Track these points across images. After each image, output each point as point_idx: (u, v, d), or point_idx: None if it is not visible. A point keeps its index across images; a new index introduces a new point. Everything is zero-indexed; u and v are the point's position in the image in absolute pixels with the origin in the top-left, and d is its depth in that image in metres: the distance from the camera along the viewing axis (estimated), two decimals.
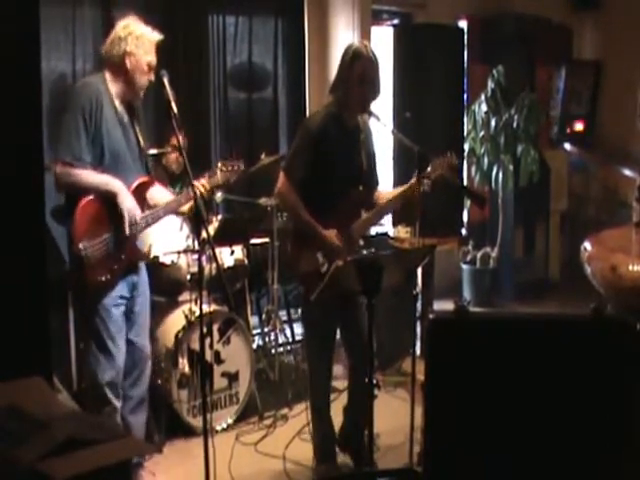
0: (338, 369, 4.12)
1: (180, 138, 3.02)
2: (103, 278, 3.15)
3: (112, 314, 3.22)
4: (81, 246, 3.07)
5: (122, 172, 3.20)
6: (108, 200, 3.13)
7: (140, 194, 3.27)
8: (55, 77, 4.70)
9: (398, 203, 3.46)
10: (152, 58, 3.22)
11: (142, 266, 3.43)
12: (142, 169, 3.34)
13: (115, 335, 3.24)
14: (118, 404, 3.29)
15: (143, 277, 3.42)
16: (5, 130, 2.02)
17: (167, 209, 3.32)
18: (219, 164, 3.39)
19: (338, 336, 3.62)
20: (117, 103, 3.22)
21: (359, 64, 3.27)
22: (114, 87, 3.21)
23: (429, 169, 3.36)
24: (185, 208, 3.34)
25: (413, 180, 3.34)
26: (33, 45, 2.06)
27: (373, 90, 3.32)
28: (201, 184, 3.26)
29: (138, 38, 3.17)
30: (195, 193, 2.94)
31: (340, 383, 4.08)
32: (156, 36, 3.24)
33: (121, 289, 3.25)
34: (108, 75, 3.21)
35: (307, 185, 3.35)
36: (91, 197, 3.11)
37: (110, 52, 3.20)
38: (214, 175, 3.34)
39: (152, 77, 3.23)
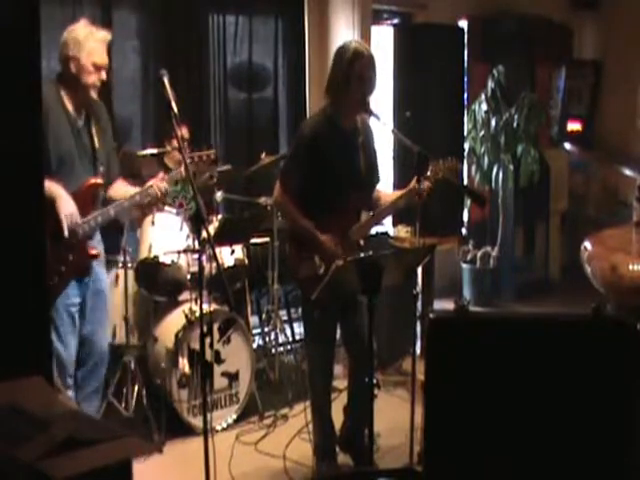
0: (338, 369, 4.12)
1: (180, 134, 3.02)
2: (50, 282, 3.16)
3: (61, 314, 3.28)
4: None
5: (70, 176, 3.26)
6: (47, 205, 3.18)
7: (90, 195, 3.32)
8: (55, 77, 4.69)
9: (399, 206, 3.44)
10: (99, 58, 3.27)
11: (97, 266, 3.48)
12: (94, 170, 3.37)
13: (63, 335, 3.31)
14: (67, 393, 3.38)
15: (98, 277, 3.49)
16: (4, 130, 2.01)
17: (118, 208, 3.37)
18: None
19: (338, 335, 3.63)
20: (70, 107, 3.29)
21: (359, 63, 3.26)
22: (65, 91, 3.28)
23: (429, 173, 3.34)
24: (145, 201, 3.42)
25: (413, 184, 3.32)
26: (33, 45, 2.06)
27: (371, 87, 3.33)
28: (157, 185, 3.37)
29: (80, 42, 3.23)
30: (197, 194, 2.93)
31: (340, 383, 4.08)
32: (102, 36, 3.30)
33: (71, 290, 3.32)
34: (59, 80, 3.29)
35: (305, 190, 3.35)
36: None
37: (59, 57, 3.30)
38: (177, 168, 3.40)
39: (103, 76, 3.30)
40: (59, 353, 3.31)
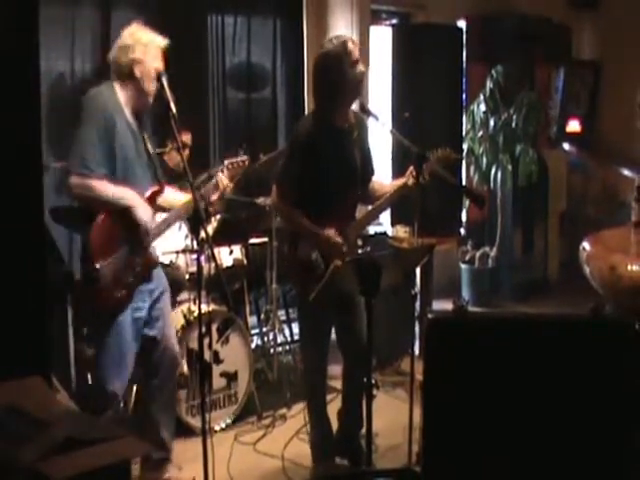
0: (337, 369, 4.12)
1: (179, 138, 3.02)
2: (119, 294, 3.12)
3: (125, 331, 3.17)
4: (98, 266, 3.02)
5: (133, 181, 3.16)
6: (120, 215, 3.09)
7: (154, 202, 3.24)
8: (54, 77, 4.70)
9: (395, 200, 3.44)
10: (159, 64, 3.18)
11: (157, 270, 3.37)
12: (151, 176, 3.29)
13: (126, 353, 3.20)
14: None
15: (159, 281, 3.37)
16: (4, 130, 2.02)
17: (177, 215, 3.28)
18: (225, 162, 3.37)
19: (333, 336, 3.63)
20: (127, 112, 3.18)
21: (356, 64, 3.27)
22: (124, 96, 3.16)
23: (424, 167, 3.32)
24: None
25: (406, 178, 3.32)
26: (33, 45, 2.06)
27: (365, 84, 3.36)
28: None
29: (146, 45, 3.13)
30: (198, 196, 2.94)
31: (338, 383, 4.08)
32: (162, 41, 3.21)
33: (137, 300, 3.21)
34: (117, 84, 3.16)
35: (302, 191, 3.34)
36: (104, 215, 3.07)
37: (118, 61, 3.15)
38: (221, 178, 3.34)
39: (157, 83, 3.17)
40: (122, 370, 3.18)
